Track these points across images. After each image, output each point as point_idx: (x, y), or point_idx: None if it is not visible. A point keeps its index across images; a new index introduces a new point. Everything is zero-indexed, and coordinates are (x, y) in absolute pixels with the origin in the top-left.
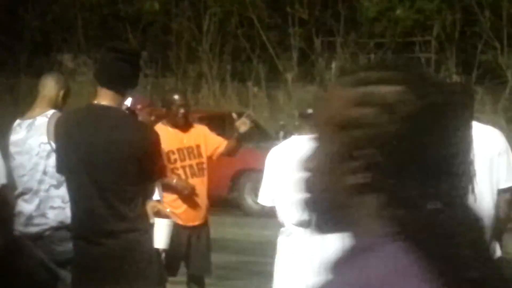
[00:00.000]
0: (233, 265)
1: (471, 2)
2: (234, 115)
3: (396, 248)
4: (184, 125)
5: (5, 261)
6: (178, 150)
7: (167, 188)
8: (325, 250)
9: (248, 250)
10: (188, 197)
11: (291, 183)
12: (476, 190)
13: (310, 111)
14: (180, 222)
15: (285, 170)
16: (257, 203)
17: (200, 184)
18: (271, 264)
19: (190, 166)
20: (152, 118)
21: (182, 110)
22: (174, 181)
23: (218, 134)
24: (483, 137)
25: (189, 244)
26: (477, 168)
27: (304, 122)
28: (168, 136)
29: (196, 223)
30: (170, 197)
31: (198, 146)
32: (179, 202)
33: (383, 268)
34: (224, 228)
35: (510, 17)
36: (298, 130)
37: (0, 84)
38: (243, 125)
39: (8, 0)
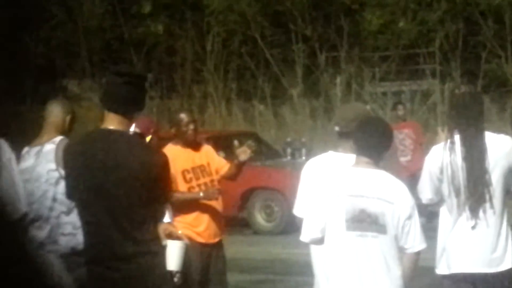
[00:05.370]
0: (243, 284)
1: (474, 11)
2: (236, 142)
3: None
4: (195, 143)
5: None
6: (193, 169)
7: (188, 206)
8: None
9: (258, 269)
10: (207, 214)
11: (316, 199)
12: (494, 199)
13: (337, 128)
14: (201, 240)
15: (315, 186)
16: (267, 221)
17: (216, 201)
18: (281, 281)
19: (205, 184)
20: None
21: (192, 127)
22: (201, 194)
23: (226, 154)
24: (496, 146)
25: (208, 263)
26: (492, 177)
27: (342, 139)
28: (181, 156)
29: (216, 239)
30: (190, 217)
31: (208, 164)
32: (200, 220)
33: None
34: (234, 247)
35: None
36: (335, 147)
37: (7, 111)
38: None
39: (12, 27)
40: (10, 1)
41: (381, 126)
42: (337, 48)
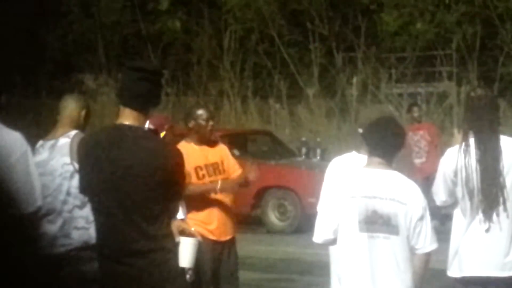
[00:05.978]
0: (255, 282)
1: (492, 14)
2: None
3: None
4: (210, 141)
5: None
6: (206, 166)
7: (200, 203)
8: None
9: (271, 267)
10: (219, 212)
11: (329, 200)
12: (508, 202)
13: (360, 130)
14: (213, 237)
15: (334, 185)
16: (280, 220)
17: (228, 199)
18: (294, 281)
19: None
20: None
21: (211, 123)
22: (219, 187)
23: (240, 152)
24: (511, 150)
25: (220, 261)
26: (506, 180)
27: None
28: (194, 153)
29: (228, 237)
30: (201, 214)
31: (222, 162)
32: (211, 217)
33: None
34: (247, 246)
35: None
36: (357, 148)
37: (22, 105)
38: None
39: (29, 21)
40: None
41: (393, 126)
42: (354, 48)
